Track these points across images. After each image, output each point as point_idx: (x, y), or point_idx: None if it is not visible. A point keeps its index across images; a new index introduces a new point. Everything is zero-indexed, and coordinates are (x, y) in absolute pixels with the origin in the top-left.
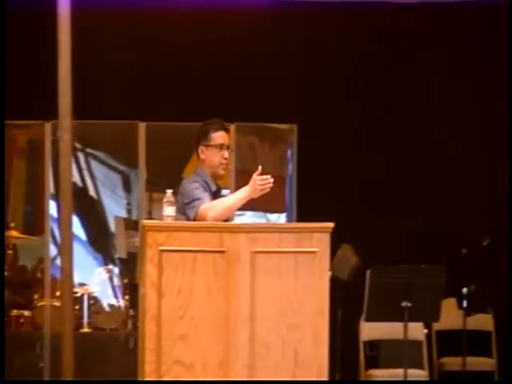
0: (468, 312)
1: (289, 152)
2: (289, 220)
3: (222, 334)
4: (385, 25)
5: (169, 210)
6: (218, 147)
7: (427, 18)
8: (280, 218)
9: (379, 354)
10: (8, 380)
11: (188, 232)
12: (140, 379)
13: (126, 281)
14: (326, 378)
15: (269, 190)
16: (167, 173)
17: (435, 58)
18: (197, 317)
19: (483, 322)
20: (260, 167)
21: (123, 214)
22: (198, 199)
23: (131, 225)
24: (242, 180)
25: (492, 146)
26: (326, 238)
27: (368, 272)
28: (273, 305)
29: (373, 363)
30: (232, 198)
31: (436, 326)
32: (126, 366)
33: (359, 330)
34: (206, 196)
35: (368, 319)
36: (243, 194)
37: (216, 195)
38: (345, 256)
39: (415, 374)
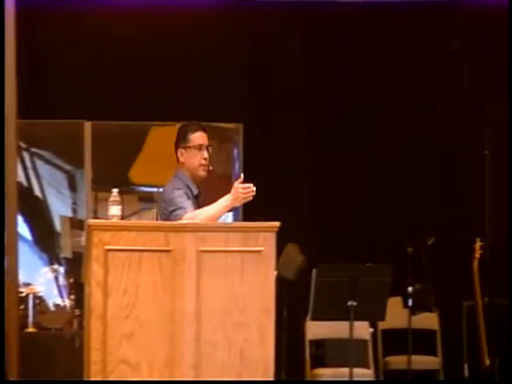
0: (413, 311)
1: (235, 151)
2: (235, 219)
3: (167, 334)
4: (331, 24)
5: (114, 210)
6: (197, 148)
7: (374, 16)
8: (226, 217)
9: (325, 353)
10: (8, 380)
11: (134, 231)
12: (85, 379)
13: (71, 280)
14: (271, 377)
15: (251, 198)
16: (113, 172)
17: (384, 56)
18: (142, 316)
19: (428, 320)
20: (242, 175)
21: (69, 213)
22: (181, 208)
23: (77, 224)
24: None
25: (440, 145)
26: (271, 238)
27: (314, 271)
28: (219, 304)
29: (318, 362)
30: (214, 207)
31: (381, 325)
32: (71, 365)
33: (305, 329)
34: (189, 205)
35: (314, 318)
36: (225, 202)
37: (197, 198)
38: (290, 255)
39: (361, 373)
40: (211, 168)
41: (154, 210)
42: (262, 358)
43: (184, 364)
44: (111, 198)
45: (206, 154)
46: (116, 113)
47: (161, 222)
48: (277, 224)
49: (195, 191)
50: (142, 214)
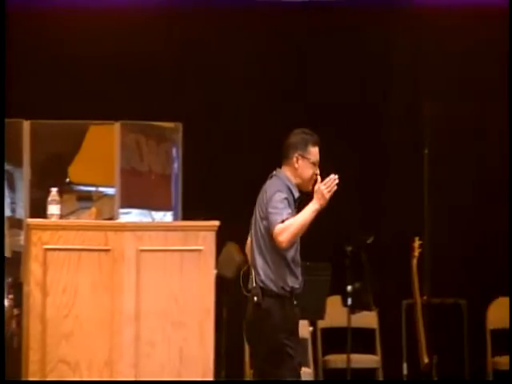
0: (352, 309)
1: (174, 150)
2: (175, 218)
3: (107, 333)
4: (272, 23)
5: (53, 209)
6: (313, 163)
7: (318, 15)
8: (166, 217)
9: None
10: (8, 380)
11: (73, 230)
12: (24, 379)
13: (9, 280)
14: (211, 377)
15: (336, 187)
16: (52, 171)
17: (328, 55)
18: (82, 315)
19: (367, 319)
20: (318, 177)
21: (8, 212)
22: (278, 214)
23: (16, 223)
24: (126, 178)
25: (380, 144)
26: (211, 237)
27: None
28: (158, 303)
29: None
30: (303, 216)
31: (321, 324)
32: (9, 365)
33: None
34: (286, 213)
35: None
36: (312, 206)
37: (299, 202)
38: (230, 254)
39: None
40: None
41: (93, 209)
42: (202, 358)
43: (123, 363)
44: (50, 198)
45: (318, 170)
46: (55, 112)
47: (100, 222)
48: (216, 223)
49: (296, 194)
50: (80, 213)
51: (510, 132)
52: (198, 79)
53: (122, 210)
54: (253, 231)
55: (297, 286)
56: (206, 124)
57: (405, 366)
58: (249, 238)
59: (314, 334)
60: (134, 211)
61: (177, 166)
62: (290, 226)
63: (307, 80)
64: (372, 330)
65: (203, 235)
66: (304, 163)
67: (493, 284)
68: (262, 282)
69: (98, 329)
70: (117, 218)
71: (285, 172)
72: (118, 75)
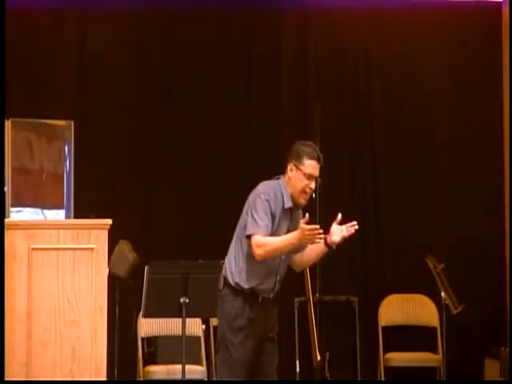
0: None
1: (66, 149)
2: (67, 217)
3: None
4: (161, 22)
5: None
6: (307, 176)
7: (208, 18)
8: (58, 215)
9: (157, 350)
10: (8, 380)
11: None
12: None
13: None
14: (104, 376)
15: (317, 241)
16: None
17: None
18: None
19: None
20: (307, 215)
21: None
22: (255, 225)
23: None
24: (17, 176)
25: (268, 143)
26: (103, 235)
27: (146, 268)
28: (50, 302)
29: (151, 359)
30: (281, 242)
31: (214, 322)
32: None
33: (137, 327)
34: (264, 225)
35: (146, 315)
36: (292, 239)
37: (291, 212)
38: (122, 252)
39: (193, 369)
40: (313, 196)
41: None
42: (94, 356)
43: (15, 363)
44: None
45: (312, 185)
46: None
47: None
48: (108, 221)
49: (288, 204)
50: None
51: (511, 132)
52: (90, 77)
53: (13, 209)
54: (240, 220)
55: (257, 287)
56: (98, 122)
57: (297, 363)
58: None
59: (206, 331)
60: (26, 210)
61: (69, 164)
62: (267, 244)
63: (198, 81)
64: None
65: (95, 234)
66: (297, 174)
67: (384, 281)
68: (224, 270)
69: None
70: (8, 217)
71: (283, 180)
72: (9, 72)
